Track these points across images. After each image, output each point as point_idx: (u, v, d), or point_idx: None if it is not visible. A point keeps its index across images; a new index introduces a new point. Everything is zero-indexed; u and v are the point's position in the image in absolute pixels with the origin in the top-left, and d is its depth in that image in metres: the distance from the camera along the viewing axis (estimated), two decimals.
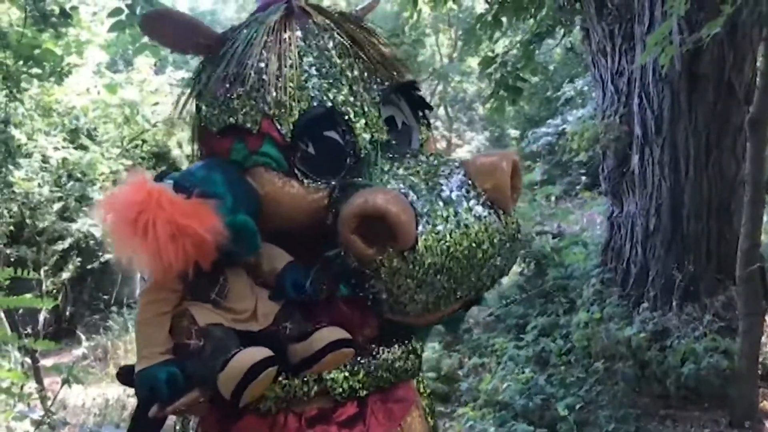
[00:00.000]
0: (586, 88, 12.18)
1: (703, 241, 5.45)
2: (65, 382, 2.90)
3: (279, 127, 1.52)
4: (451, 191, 1.42)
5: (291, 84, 1.52)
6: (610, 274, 6.14)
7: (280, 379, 1.48)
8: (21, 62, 5.70)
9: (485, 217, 1.41)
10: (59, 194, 9.49)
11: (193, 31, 1.64)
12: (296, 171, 1.53)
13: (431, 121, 1.86)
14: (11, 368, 5.49)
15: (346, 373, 1.53)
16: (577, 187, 11.80)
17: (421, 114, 1.76)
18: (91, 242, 10.14)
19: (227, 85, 1.58)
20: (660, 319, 5.38)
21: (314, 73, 1.55)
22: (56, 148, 8.91)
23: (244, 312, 1.50)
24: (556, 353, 5.77)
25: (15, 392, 4.03)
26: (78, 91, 8.87)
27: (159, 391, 1.39)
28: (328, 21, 1.64)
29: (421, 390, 1.82)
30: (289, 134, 1.51)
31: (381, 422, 1.58)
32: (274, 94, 1.52)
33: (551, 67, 13.74)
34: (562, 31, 6.93)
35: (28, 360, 6.61)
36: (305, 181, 1.52)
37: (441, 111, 17.95)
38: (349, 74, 1.58)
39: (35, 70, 5.90)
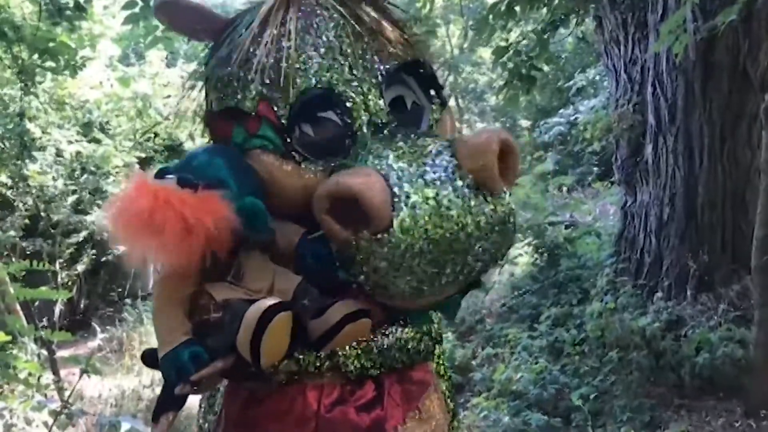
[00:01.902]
0: (597, 77, 12.13)
1: (718, 230, 5.41)
2: (84, 372, 2.92)
3: (276, 109, 1.51)
4: (435, 172, 1.38)
5: (288, 65, 1.51)
6: (623, 264, 6.12)
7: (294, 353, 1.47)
8: (36, 56, 5.72)
9: (469, 199, 1.36)
10: (73, 187, 9.54)
11: (202, 16, 1.67)
12: (294, 153, 1.51)
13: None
14: (28, 359, 5.54)
15: (359, 350, 1.51)
16: (590, 178, 11.77)
17: (434, 93, 1.73)
18: (105, 235, 10.18)
19: (228, 69, 1.58)
20: (674, 309, 5.36)
21: (313, 53, 1.53)
22: (70, 142, 8.93)
23: (261, 291, 1.50)
24: (569, 343, 5.77)
25: (32, 383, 4.07)
26: (91, 84, 8.89)
27: (185, 371, 1.41)
28: None
29: (441, 372, 1.81)
30: (286, 116, 1.50)
31: (398, 403, 1.56)
32: (272, 75, 1.51)
33: (563, 57, 13.66)
34: (575, 20, 6.88)
35: (44, 351, 6.66)
36: (303, 163, 1.51)
37: (452, 102, 17.88)
38: (350, 54, 1.55)
39: (50, 64, 5.91)
